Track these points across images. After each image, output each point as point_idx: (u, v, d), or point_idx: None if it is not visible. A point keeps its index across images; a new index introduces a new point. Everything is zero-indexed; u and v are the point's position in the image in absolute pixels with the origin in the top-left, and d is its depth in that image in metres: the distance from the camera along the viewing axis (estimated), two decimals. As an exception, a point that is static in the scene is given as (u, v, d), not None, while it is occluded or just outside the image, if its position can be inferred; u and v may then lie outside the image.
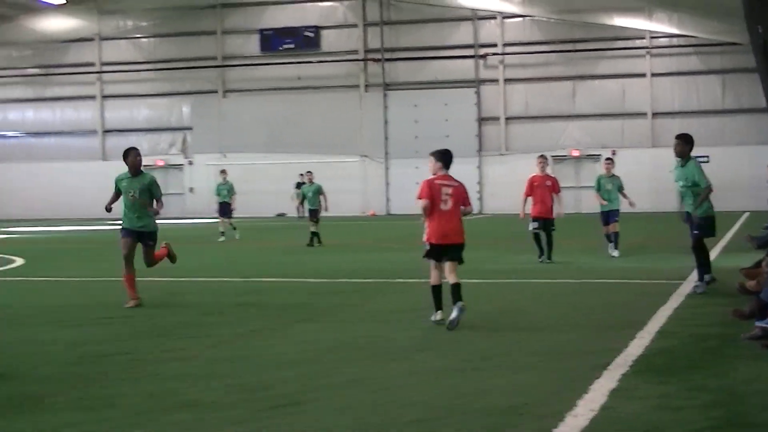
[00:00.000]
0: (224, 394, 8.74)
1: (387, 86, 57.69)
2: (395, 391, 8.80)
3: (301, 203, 29.90)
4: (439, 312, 12.30)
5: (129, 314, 14.43)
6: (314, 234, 29.19)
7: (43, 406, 8.37)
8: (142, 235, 15.42)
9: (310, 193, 30.11)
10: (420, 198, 12.36)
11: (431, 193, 12.32)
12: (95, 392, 8.89)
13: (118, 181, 15.52)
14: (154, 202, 15.59)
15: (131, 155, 15.45)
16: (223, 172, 35.26)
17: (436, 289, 12.42)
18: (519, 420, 7.58)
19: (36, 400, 8.56)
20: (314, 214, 29.72)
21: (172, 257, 16.22)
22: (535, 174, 22.31)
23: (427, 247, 12.53)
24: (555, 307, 14.66)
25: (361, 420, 7.75)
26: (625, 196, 23.42)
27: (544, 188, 22.00)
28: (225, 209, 33.73)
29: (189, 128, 60.08)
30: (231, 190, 33.89)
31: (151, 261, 15.72)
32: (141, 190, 15.29)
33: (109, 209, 15.80)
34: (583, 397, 8.11)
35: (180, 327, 13.04)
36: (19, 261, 25.17)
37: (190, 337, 12.14)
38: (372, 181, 57.19)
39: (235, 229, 33.43)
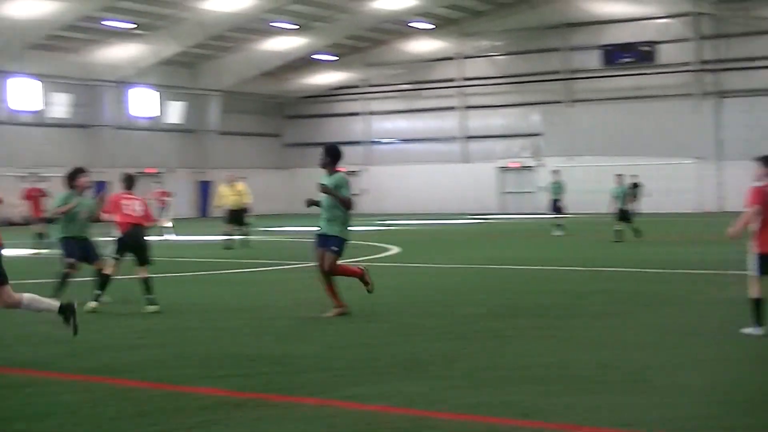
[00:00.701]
0: (579, 369, 8.73)
1: (720, 94, 55.62)
2: (728, 374, 8.54)
3: (630, 202, 29.45)
4: (760, 327, 10.42)
5: (491, 297, 14.63)
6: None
7: (418, 374, 8.63)
8: (327, 239, 13.00)
9: (620, 194, 29.56)
10: (751, 204, 10.69)
11: (762, 199, 10.65)
12: (458, 365, 9.08)
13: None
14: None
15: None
16: (555, 172, 35.18)
17: (759, 303, 10.53)
18: None
19: (409, 370, 8.84)
20: (623, 213, 29.11)
21: (366, 283, 13.39)
22: None
23: (757, 261, 10.65)
24: None
25: (705, 398, 7.56)
26: None
27: None
28: (556, 207, 33.64)
29: (539, 134, 60.11)
30: (561, 189, 33.81)
31: (329, 267, 12.89)
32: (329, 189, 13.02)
33: (308, 204, 13.44)
34: None
35: (539, 309, 13.10)
36: (394, 249, 25.99)
37: (548, 318, 12.19)
38: (706, 181, 55.13)
39: (559, 226, 32.98)
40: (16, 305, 9.79)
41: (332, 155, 13.16)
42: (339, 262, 13.00)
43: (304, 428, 6.83)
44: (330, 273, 12.86)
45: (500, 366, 8.92)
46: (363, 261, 22.49)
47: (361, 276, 13.27)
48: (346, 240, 13.03)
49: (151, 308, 13.64)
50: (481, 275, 18.82)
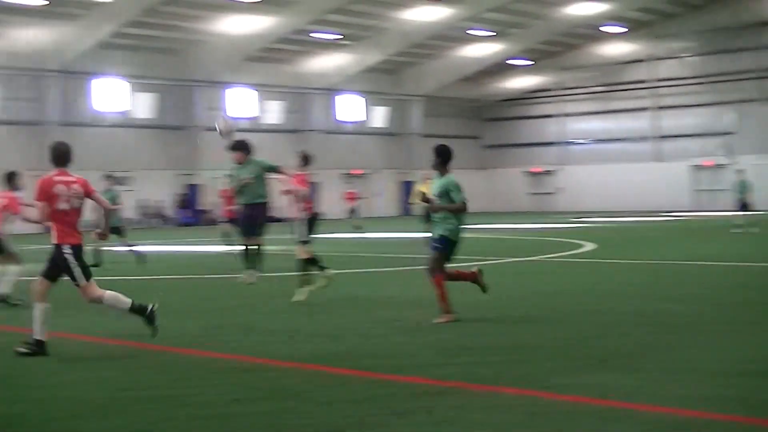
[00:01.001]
0: (729, 366, 8.40)
1: None
2: None
3: None
4: None
5: (686, 292, 14.23)
6: None
7: (613, 367, 8.48)
8: (434, 241, 11.76)
9: None
10: None
11: None
12: (654, 358, 8.86)
13: None
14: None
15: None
16: (739, 171, 34.10)
17: None
18: None
19: (604, 363, 8.70)
20: None
21: (481, 285, 12.27)
22: None
23: None
24: None
25: None
26: None
27: None
28: (743, 205, 32.56)
29: (732, 133, 58.03)
30: (747, 188, 32.68)
31: (430, 265, 11.73)
32: (439, 193, 11.67)
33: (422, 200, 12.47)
34: None
35: (735, 305, 12.69)
36: (589, 246, 25.59)
37: (746, 312, 11.78)
38: None
39: (741, 226, 31.64)
40: (98, 300, 9.85)
41: (442, 156, 11.74)
42: (452, 267, 11.84)
43: (504, 416, 6.79)
44: (431, 273, 11.61)
45: (697, 359, 8.65)
46: (558, 257, 22.23)
47: (474, 279, 12.15)
48: (454, 241, 11.61)
49: (329, 273, 13.95)
50: (676, 271, 18.32)
